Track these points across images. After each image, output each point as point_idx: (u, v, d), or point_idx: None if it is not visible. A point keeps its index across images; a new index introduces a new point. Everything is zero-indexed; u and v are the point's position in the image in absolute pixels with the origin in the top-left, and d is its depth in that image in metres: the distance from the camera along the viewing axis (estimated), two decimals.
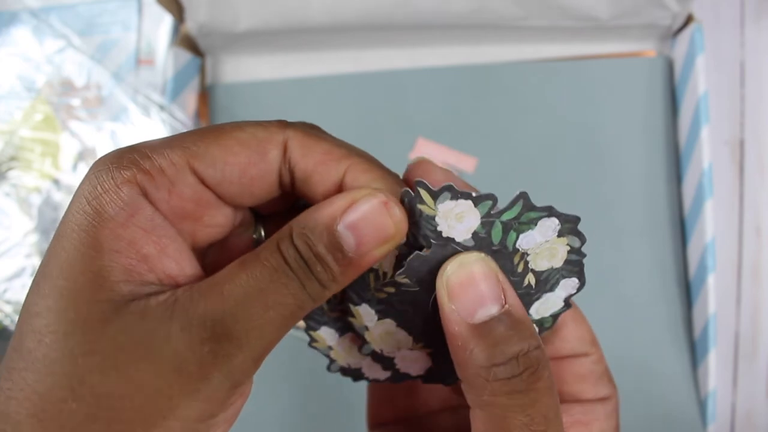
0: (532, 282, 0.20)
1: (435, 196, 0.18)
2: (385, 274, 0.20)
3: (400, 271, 0.19)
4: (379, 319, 0.21)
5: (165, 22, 0.51)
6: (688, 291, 0.44)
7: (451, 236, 0.18)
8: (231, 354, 0.16)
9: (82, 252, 0.16)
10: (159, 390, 0.15)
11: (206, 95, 0.50)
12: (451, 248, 0.18)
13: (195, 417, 0.16)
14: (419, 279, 0.19)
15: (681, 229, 0.45)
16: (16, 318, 0.47)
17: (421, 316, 0.20)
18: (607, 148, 0.46)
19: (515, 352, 0.17)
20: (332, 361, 0.22)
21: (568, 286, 0.21)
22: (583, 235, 0.20)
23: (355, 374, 0.22)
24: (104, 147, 0.49)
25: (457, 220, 0.18)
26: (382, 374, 0.23)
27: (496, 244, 0.19)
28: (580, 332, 0.22)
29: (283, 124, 0.19)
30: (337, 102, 0.49)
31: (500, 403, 0.17)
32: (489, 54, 0.49)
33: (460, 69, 0.48)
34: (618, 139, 0.46)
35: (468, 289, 0.17)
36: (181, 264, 0.17)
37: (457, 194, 0.18)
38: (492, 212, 0.18)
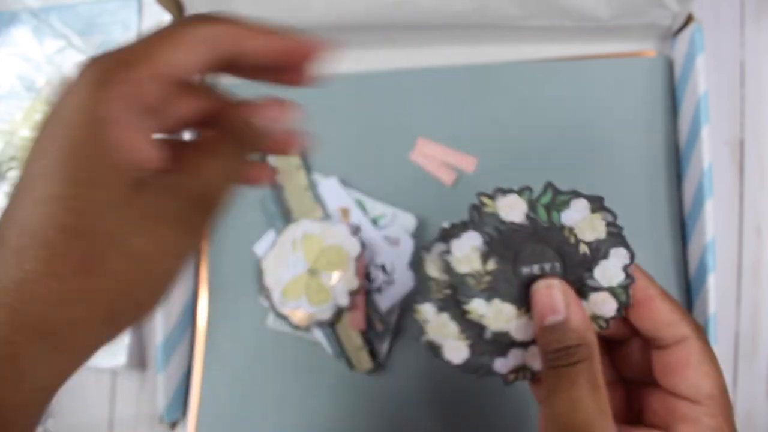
0: (587, 251, 0.26)
1: (492, 197, 0.26)
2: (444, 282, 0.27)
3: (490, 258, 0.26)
4: (487, 299, 0.26)
5: (165, 21, 0.51)
6: (688, 291, 0.44)
7: (513, 220, 0.26)
8: (212, 214, 0.23)
9: (96, 151, 0.20)
10: (174, 242, 0.22)
11: None
12: (516, 227, 0.26)
13: (191, 252, 0.23)
14: (503, 257, 0.26)
15: (681, 229, 0.45)
16: None
17: (511, 289, 0.26)
18: (607, 148, 0.46)
19: (565, 346, 0.24)
20: (424, 333, 0.27)
21: (620, 255, 0.26)
22: (613, 211, 0.26)
23: (436, 350, 0.27)
24: None
25: (511, 208, 0.26)
26: (462, 355, 0.27)
27: (545, 222, 0.26)
28: (699, 381, 0.25)
29: (209, 20, 0.24)
30: (337, 102, 0.49)
31: (552, 373, 0.24)
32: (489, 54, 0.49)
33: (460, 69, 0.48)
34: (618, 139, 0.46)
35: (544, 300, 0.25)
36: (154, 147, 0.22)
37: (504, 191, 0.26)
38: (532, 199, 0.26)
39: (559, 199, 0.26)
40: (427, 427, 0.45)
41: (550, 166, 0.46)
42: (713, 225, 0.42)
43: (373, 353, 0.45)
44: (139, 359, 0.50)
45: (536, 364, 0.27)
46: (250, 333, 0.47)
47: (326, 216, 0.46)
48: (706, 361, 0.25)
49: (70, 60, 0.51)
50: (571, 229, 0.26)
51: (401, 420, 0.45)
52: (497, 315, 0.26)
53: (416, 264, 0.28)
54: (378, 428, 0.45)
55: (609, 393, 0.24)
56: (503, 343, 0.26)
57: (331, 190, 0.47)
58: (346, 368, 0.45)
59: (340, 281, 0.44)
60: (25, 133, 0.49)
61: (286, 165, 0.47)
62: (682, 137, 0.45)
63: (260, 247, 0.47)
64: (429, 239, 0.30)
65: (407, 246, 0.45)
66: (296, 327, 0.45)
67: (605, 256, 0.26)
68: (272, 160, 0.47)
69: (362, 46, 0.49)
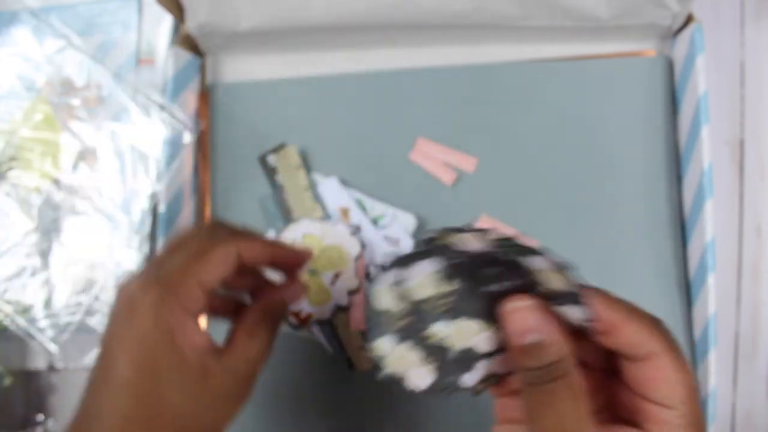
0: (549, 292, 0.25)
1: (447, 232, 0.24)
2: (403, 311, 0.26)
3: (450, 281, 0.25)
4: (450, 320, 0.26)
5: (165, 21, 0.51)
6: (688, 291, 0.44)
7: (472, 249, 0.24)
8: (254, 385, 0.32)
9: (175, 354, 0.29)
10: (231, 411, 0.31)
11: (206, 95, 0.50)
12: (477, 254, 0.24)
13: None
14: (465, 277, 0.25)
15: (681, 229, 0.45)
16: (16, 318, 0.47)
17: (475, 305, 0.26)
18: (607, 148, 0.46)
19: (544, 364, 0.24)
20: (382, 368, 0.26)
21: (580, 311, 0.25)
22: (575, 281, 0.24)
23: (398, 381, 0.26)
24: (104, 147, 0.49)
25: (468, 242, 0.24)
26: (427, 380, 0.26)
27: (507, 258, 0.24)
28: (670, 393, 0.25)
29: (234, 235, 0.32)
30: (337, 102, 0.49)
31: (533, 390, 0.24)
32: (489, 54, 0.49)
33: (460, 69, 0.48)
34: (618, 139, 0.46)
35: (519, 321, 0.25)
36: (204, 337, 0.30)
37: (458, 230, 0.24)
38: (491, 239, 0.24)
39: (522, 249, 0.24)
40: (427, 427, 0.45)
41: (549, 166, 0.46)
42: (713, 225, 0.42)
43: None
44: None
45: (502, 368, 0.26)
46: None
47: (326, 216, 0.46)
48: (678, 370, 0.25)
49: (70, 60, 0.51)
50: (532, 272, 0.24)
51: (401, 420, 0.45)
52: (461, 333, 0.26)
53: (366, 300, 0.26)
54: (378, 428, 0.45)
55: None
56: (468, 358, 0.26)
57: (331, 190, 0.47)
58: (346, 368, 0.45)
59: (340, 281, 0.44)
60: (25, 133, 0.50)
61: (286, 165, 0.47)
62: (682, 137, 0.45)
63: None
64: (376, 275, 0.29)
65: (407, 246, 0.45)
66: (296, 327, 0.45)
67: (564, 304, 0.25)
68: (272, 159, 0.48)
69: (362, 46, 0.49)
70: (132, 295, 0.29)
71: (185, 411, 0.28)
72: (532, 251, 0.24)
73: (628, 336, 0.25)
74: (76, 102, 0.50)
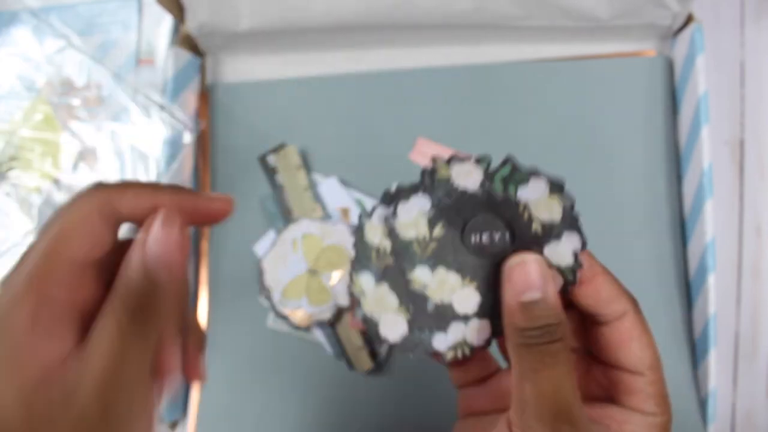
0: (539, 230, 0.25)
1: (449, 162, 0.24)
2: (384, 249, 0.25)
3: (438, 222, 0.25)
4: (432, 267, 0.25)
5: (165, 21, 0.51)
6: (688, 291, 0.44)
7: (466, 188, 0.24)
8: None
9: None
10: None
11: (206, 95, 0.50)
12: (468, 195, 0.24)
13: None
14: (451, 224, 0.25)
15: (681, 229, 0.45)
16: None
17: (458, 257, 0.25)
18: (607, 148, 0.46)
19: (542, 325, 0.23)
20: (359, 306, 0.25)
21: (573, 239, 0.25)
22: (572, 197, 0.24)
23: (372, 327, 0.25)
24: (104, 147, 0.49)
25: (466, 176, 0.24)
26: (399, 331, 0.25)
27: (500, 194, 0.24)
28: (641, 353, 0.26)
29: (96, 190, 0.23)
30: (337, 102, 0.49)
31: (529, 351, 0.23)
32: (489, 54, 0.49)
33: (460, 69, 0.48)
34: (618, 139, 0.46)
35: (522, 277, 0.24)
36: (60, 340, 0.21)
37: (462, 158, 0.24)
38: (490, 170, 0.24)
39: (518, 175, 0.24)
40: (426, 427, 0.45)
41: (549, 166, 0.46)
42: (713, 225, 0.42)
43: (373, 353, 0.45)
44: None
45: (476, 339, 0.25)
46: (250, 333, 0.47)
47: (326, 216, 0.46)
48: (644, 333, 0.26)
49: (70, 60, 0.51)
50: (525, 206, 0.25)
51: (401, 420, 0.45)
52: (441, 285, 0.25)
53: (356, 231, 0.25)
54: (377, 428, 0.45)
55: None
56: (445, 316, 0.25)
57: (331, 190, 0.47)
58: (346, 368, 0.45)
59: (340, 281, 0.44)
60: (25, 133, 0.50)
61: (286, 165, 0.47)
62: (682, 137, 0.45)
63: (260, 247, 0.47)
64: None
65: None
66: (296, 327, 0.45)
67: (558, 237, 0.25)
68: (272, 159, 0.48)
69: (362, 46, 0.49)
70: None
71: None
72: (527, 177, 0.24)
73: (604, 290, 0.25)
74: (76, 102, 0.50)
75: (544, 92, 0.47)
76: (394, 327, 0.25)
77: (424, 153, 0.47)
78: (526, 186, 0.24)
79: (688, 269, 0.45)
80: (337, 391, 0.46)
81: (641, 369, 0.25)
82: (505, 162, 0.24)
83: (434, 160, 0.24)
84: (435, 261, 0.25)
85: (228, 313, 0.48)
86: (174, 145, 0.47)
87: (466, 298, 0.25)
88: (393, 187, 0.25)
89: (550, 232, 0.25)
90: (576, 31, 0.46)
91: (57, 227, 0.22)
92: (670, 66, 0.47)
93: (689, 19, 0.44)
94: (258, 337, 0.47)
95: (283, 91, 0.49)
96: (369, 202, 0.47)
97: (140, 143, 0.49)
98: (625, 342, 0.25)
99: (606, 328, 0.26)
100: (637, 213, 0.45)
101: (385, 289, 0.25)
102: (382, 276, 0.25)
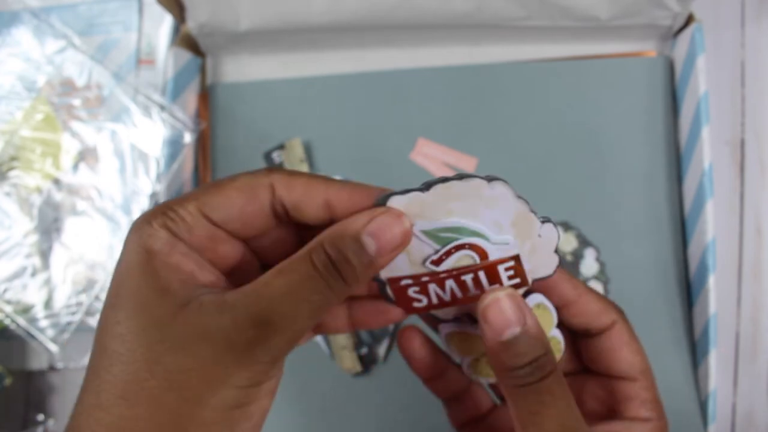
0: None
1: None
2: None
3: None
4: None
5: (165, 22, 0.51)
6: (688, 291, 0.44)
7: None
8: (269, 336, 0.21)
9: (145, 276, 0.21)
10: (217, 362, 0.20)
11: (207, 95, 0.50)
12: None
13: (245, 383, 0.21)
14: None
15: (681, 229, 0.45)
16: (17, 318, 0.47)
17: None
18: (608, 148, 0.46)
19: (530, 360, 0.22)
20: None
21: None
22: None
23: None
24: (105, 147, 0.49)
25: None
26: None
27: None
28: (633, 358, 0.26)
29: (268, 170, 0.23)
30: (337, 102, 0.49)
31: (525, 392, 0.23)
32: (489, 54, 0.49)
33: (460, 69, 0.48)
34: (618, 139, 0.46)
35: (497, 316, 0.23)
36: (214, 276, 0.23)
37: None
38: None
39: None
40: (424, 428, 0.45)
41: (549, 166, 0.46)
42: (713, 225, 0.42)
43: (362, 355, 0.45)
44: None
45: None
46: None
47: None
48: (634, 339, 0.26)
49: (71, 60, 0.51)
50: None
51: (398, 420, 0.45)
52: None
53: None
54: (375, 428, 0.45)
55: None
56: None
57: None
58: (341, 369, 0.45)
59: None
60: (25, 133, 0.50)
61: (290, 159, 0.47)
62: (682, 137, 0.45)
63: None
64: None
65: None
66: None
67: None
68: (276, 156, 0.48)
69: (362, 46, 0.49)
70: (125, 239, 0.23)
71: (145, 350, 0.20)
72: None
73: (589, 304, 0.26)
74: (76, 102, 0.50)
75: (545, 92, 0.47)
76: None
77: (424, 153, 0.47)
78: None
79: (688, 269, 0.45)
80: (334, 392, 0.46)
81: (634, 374, 0.26)
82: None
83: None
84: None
85: None
86: (174, 145, 0.47)
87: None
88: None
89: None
90: (576, 31, 0.46)
91: (211, 193, 0.23)
92: (670, 66, 0.47)
93: (689, 20, 0.44)
94: None
95: (283, 91, 0.49)
96: None
97: (140, 143, 0.49)
98: (617, 349, 0.26)
99: (597, 340, 0.26)
100: (637, 213, 0.45)
101: None
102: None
